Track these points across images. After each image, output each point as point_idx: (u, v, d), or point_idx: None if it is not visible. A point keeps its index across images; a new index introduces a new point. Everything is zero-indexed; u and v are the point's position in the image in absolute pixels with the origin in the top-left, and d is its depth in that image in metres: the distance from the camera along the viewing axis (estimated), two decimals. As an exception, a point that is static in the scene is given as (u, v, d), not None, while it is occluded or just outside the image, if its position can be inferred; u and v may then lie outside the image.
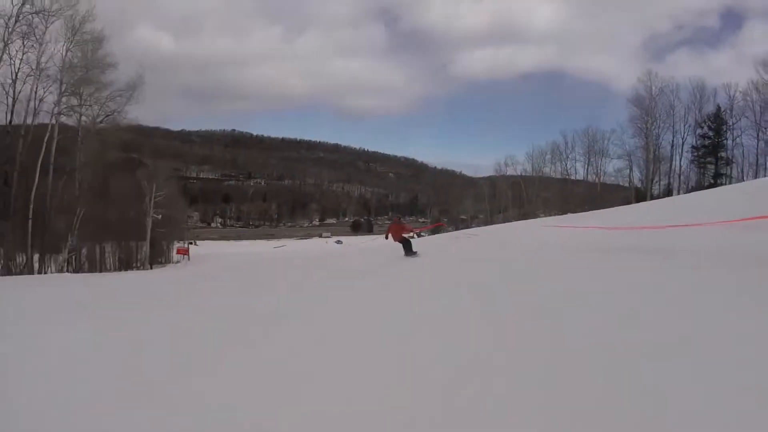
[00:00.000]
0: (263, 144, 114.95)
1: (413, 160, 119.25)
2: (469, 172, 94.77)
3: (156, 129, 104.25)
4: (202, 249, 52.61)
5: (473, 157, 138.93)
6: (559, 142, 52.88)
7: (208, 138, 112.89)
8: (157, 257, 29.86)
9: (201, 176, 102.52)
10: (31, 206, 18.90)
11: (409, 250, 13.20)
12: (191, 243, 59.14)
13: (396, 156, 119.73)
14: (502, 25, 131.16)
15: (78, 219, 20.08)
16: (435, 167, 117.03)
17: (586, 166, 49.44)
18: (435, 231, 58.44)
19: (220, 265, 23.05)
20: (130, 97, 23.23)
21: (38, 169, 19.19)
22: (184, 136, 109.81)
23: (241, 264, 22.77)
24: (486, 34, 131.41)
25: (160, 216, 26.59)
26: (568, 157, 52.38)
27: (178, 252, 31.00)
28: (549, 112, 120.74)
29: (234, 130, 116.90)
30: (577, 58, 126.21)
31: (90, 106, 22.47)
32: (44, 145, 19.94)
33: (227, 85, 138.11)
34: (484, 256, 10.25)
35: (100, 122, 23.00)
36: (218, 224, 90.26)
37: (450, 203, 75.36)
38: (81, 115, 22.32)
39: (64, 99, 21.22)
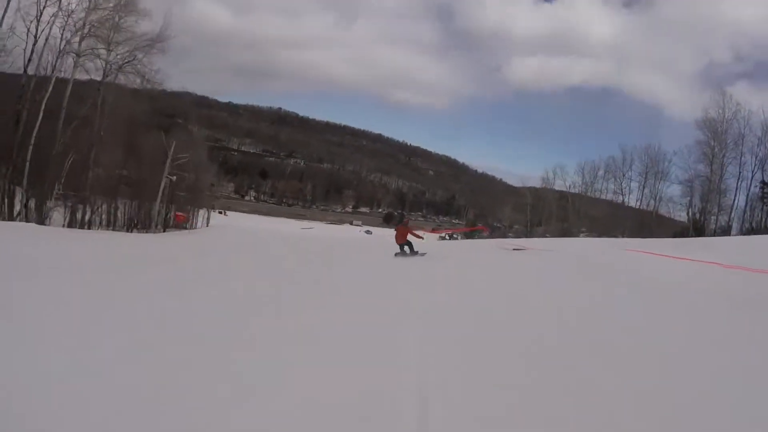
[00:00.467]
0: (307, 125, 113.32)
1: (454, 160, 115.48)
2: (510, 180, 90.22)
3: (204, 98, 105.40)
4: (229, 220, 51.50)
5: (515, 165, 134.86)
6: (617, 158, 48.98)
7: (254, 113, 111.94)
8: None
9: (242, 149, 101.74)
10: (31, 147, 17.23)
11: (410, 250, 13.14)
12: (220, 212, 57.89)
13: (437, 153, 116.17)
14: (558, 35, 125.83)
15: (68, 165, 18.33)
16: (476, 170, 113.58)
17: (642, 188, 45.35)
18: (470, 235, 55.30)
19: (234, 238, 21.14)
20: (154, 45, 21.44)
21: (42, 109, 17.46)
22: (231, 109, 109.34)
23: (255, 239, 20.88)
24: (541, 42, 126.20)
25: (175, 178, 24.68)
26: (624, 175, 48.31)
27: (177, 218, 28.09)
28: (597, 128, 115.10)
29: (281, 108, 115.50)
30: (631, 77, 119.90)
31: (117, 54, 20.67)
32: (51, 84, 18.15)
33: (277, 65, 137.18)
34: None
35: (119, 68, 21.22)
36: (252, 198, 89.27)
37: (487, 208, 72.52)
38: (107, 63, 20.50)
39: (85, 42, 19.48)
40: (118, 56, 20.68)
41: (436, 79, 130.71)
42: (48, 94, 17.61)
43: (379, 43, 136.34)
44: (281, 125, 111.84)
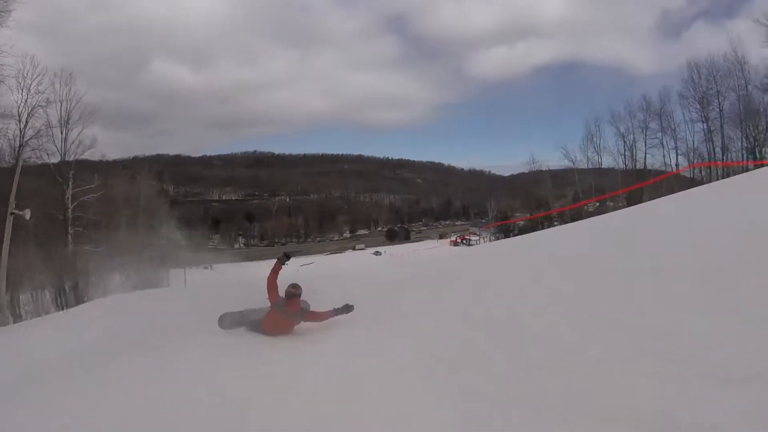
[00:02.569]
0: (285, 162, 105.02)
1: (440, 164, 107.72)
2: (498, 172, 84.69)
3: (177, 156, 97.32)
4: (215, 274, 41.74)
5: (501, 156, 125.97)
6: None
7: (229, 161, 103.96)
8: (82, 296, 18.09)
9: (223, 198, 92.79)
10: None
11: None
12: (205, 267, 47.72)
13: (422, 161, 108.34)
14: (512, 21, 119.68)
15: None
16: (462, 169, 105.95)
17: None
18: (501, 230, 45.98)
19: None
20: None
21: None
22: (205, 161, 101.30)
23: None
24: (497, 32, 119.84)
25: (28, 214, 14.85)
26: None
27: None
28: (570, 103, 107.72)
29: (255, 151, 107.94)
30: (591, 46, 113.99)
31: None
32: None
33: (246, 110, 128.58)
34: None
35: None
36: (241, 245, 79.03)
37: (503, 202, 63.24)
38: None
39: None
40: None
41: (406, 92, 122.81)
42: None
43: (341, 69, 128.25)
44: (259, 167, 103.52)
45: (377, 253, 55.62)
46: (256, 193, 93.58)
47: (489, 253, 17.75)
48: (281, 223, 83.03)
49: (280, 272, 7.81)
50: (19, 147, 18.79)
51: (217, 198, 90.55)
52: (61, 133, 21.50)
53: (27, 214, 14.78)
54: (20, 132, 19.09)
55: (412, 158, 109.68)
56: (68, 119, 22.14)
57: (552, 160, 48.55)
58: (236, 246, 77.09)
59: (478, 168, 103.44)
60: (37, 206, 15.72)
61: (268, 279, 7.33)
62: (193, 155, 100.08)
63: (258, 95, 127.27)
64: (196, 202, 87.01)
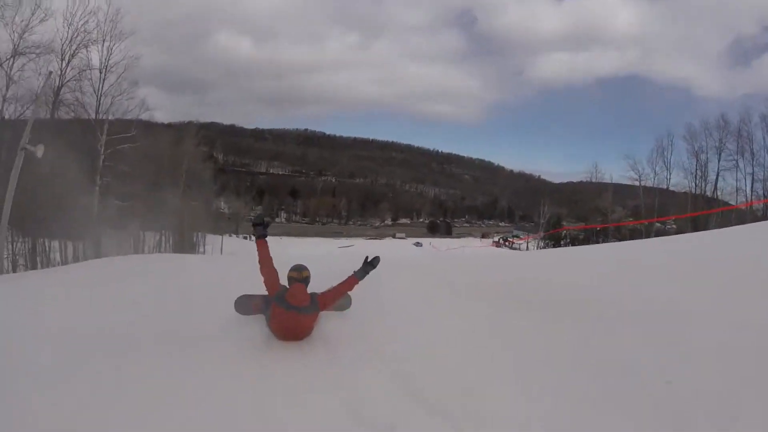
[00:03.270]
0: (335, 143, 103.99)
1: (489, 162, 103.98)
2: (547, 178, 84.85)
3: (231, 126, 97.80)
4: (252, 245, 40.47)
5: (551, 162, 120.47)
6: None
7: (280, 136, 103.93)
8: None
9: (270, 171, 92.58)
10: None
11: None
12: (245, 237, 46.38)
13: (471, 158, 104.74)
14: (581, 28, 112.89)
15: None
16: (511, 171, 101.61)
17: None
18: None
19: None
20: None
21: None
22: (257, 134, 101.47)
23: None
24: (564, 38, 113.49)
25: (41, 150, 13.12)
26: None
27: None
28: (630, 117, 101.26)
29: (307, 129, 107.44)
30: (657, 62, 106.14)
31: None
32: None
33: (302, 89, 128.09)
34: None
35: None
36: (283, 219, 78.17)
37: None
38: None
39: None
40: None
41: (463, 88, 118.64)
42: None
43: (402, 58, 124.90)
44: (309, 145, 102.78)
45: (418, 244, 53.19)
46: (303, 171, 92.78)
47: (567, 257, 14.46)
48: (324, 203, 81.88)
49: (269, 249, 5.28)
50: (59, 87, 17.57)
51: (265, 171, 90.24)
52: (100, 72, 20.19)
53: (40, 150, 13.13)
54: (60, 71, 17.90)
55: (461, 153, 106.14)
56: (109, 59, 20.80)
57: (611, 171, 44.75)
58: (278, 219, 76.26)
59: (527, 171, 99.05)
60: (65, 151, 14.30)
61: (260, 264, 4.98)
62: (247, 127, 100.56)
63: (314, 75, 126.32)
64: (243, 173, 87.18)
